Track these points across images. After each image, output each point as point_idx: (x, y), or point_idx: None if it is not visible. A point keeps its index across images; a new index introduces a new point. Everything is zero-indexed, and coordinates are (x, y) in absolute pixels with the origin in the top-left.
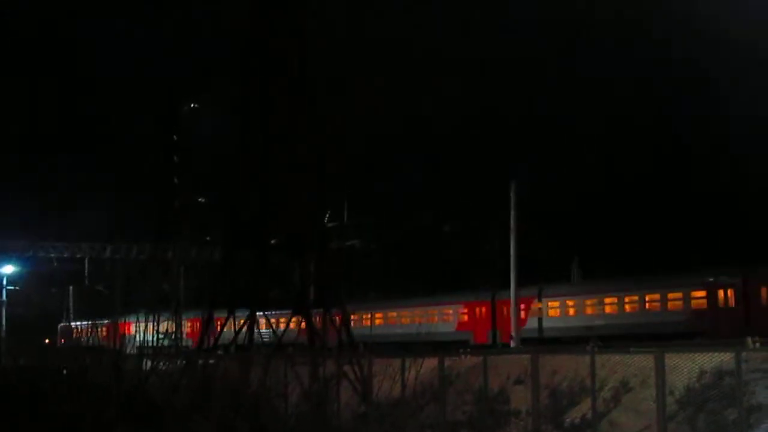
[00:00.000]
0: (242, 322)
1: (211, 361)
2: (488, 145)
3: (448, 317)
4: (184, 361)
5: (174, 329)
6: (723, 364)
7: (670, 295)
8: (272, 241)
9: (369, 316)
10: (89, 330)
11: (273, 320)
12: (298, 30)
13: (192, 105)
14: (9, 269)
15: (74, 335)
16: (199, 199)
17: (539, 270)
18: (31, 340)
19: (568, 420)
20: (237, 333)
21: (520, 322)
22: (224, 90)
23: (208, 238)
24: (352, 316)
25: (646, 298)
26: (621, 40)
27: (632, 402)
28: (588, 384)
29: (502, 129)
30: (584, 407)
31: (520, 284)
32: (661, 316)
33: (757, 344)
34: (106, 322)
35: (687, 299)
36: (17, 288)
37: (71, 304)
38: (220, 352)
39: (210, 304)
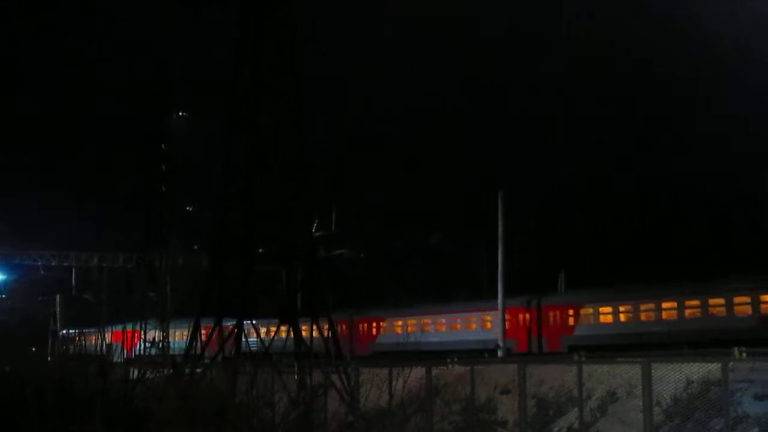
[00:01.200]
0: (230, 330)
1: (198, 370)
2: (477, 154)
3: (487, 324)
4: (170, 370)
5: (161, 338)
6: (710, 374)
7: (737, 299)
8: (260, 250)
9: (401, 323)
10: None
11: (261, 329)
12: (289, 39)
13: (180, 113)
14: None
15: (76, 343)
16: (187, 208)
17: (526, 280)
18: (18, 349)
19: (555, 430)
20: (224, 342)
21: (568, 330)
22: (213, 98)
23: (195, 247)
24: (381, 324)
25: (710, 303)
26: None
27: (619, 412)
28: (575, 394)
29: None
30: (571, 417)
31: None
32: (727, 322)
33: (744, 354)
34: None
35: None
36: (3, 296)
37: (58, 312)
38: (207, 361)
39: (197, 312)
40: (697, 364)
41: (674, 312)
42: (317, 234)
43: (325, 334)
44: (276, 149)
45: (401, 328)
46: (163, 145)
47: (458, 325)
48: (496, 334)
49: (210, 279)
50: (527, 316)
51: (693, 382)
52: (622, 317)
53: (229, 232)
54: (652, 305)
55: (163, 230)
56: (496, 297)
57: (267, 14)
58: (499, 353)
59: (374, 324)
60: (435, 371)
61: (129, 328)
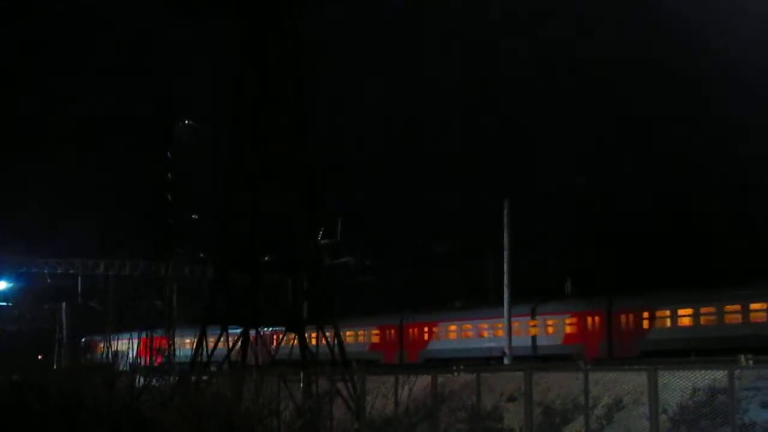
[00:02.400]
0: (236, 339)
1: (204, 378)
2: (482, 165)
3: (550, 329)
4: (176, 378)
5: (167, 346)
6: (716, 381)
7: None
8: (266, 258)
9: (455, 327)
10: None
11: (267, 337)
12: (294, 51)
13: (186, 122)
14: (1, 285)
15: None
16: (193, 216)
17: (531, 288)
18: (25, 357)
19: None
20: (230, 350)
21: (642, 334)
22: (219, 107)
23: (201, 255)
24: (433, 329)
25: None
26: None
27: (625, 420)
28: (581, 401)
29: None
30: (577, 425)
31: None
32: None
33: (750, 361)
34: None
35: None
36: (9, 304)
37: (64, 320)
38: (213, 369)
39: (203, 321)
40: (703, 371)
41: (763, 314)
42: (323, 242)
43: (332, 341)
44: (282, 158)
45: (455, 333)
46: (169, 153)
47: (515, 331)
48: (558, 339)
49: (216, 287)
50: (596, 319)
51: (699, 389)
52: (702, 320)
53: (235, 241)
54: (738, 307)
55: (169, 238)
56: (555, 300)
57: (272, 24)
58: (506, 361)
59: (425, 329)
60: (441, 379)
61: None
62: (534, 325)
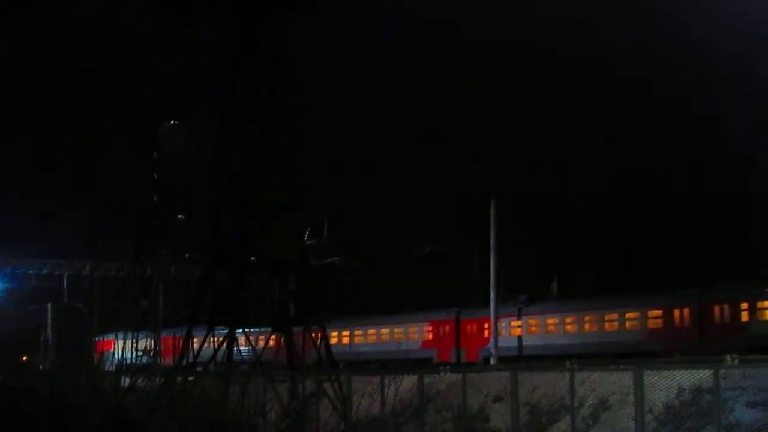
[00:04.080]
0: (221, 339)
1: (190, 379)
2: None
3: (634, 324)
4: (162, 379)
5: (153, 347)
6: (702, 381)
7: None
8: (252, 259)
9: (520, 323)
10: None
11: (252, 338)
12: (282, 50)
13: (173, 122)
14: None
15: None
16: (179, 216)
17: (516, 289)
18: (11, 359)
19: None
20: (216, 351)
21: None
22: (206, 109)
23: (187, 255)
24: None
25: None
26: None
27: (611, 420)
28: (568, 401)
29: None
30: (563, 425)
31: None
32: None
33: (736, 361)
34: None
35: None
36: None
37: (50, 321)
38: (199, 369)
39: (189, 321)
40: (689, 371)
41: None
42: (309, 242)
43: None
44: (269, 158)
45: (520, 329)
46: (155, 154)
47: (591, 325)
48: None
49: (202, 288)
50: (686, 312)
51: (685, 389)
52: None
53: (222, 241)
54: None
55: (155, 239)
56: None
57: (260, 25)
58: (492, 361)
59: (485, 325)
60: (427, 379)
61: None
62: (614, 320)
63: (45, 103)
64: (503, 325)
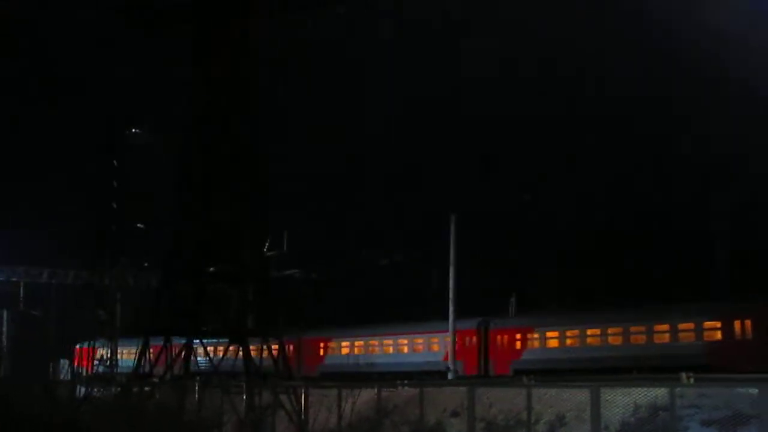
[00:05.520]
0: (179, 350)
1: (147, 389)
2: (429, 179)
3: (689, 336)
4: (118, 388)
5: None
6: (658, 399)
7: None
8: (211, 269)
9: (556, 334)
10: None
11: (210, 348)
12: (243, 57)
13: (134, 130)
14: None
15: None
16: (138, 225)
17: (477, 304)
18: None
19: None
20: (173, 361)
21: None
22: (167, 117)
23: (146, 264)
24: (528, 335)
25: None
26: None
27: None
28: (524, 417)
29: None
30: None
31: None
32: None
33: (692, 379)
34: None
35: None
36: None
37: (5, 329)
38: (155, 379)
39: (146, 331)
40: (645, 388)
41: None
42: (269, 253)
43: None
44: (230, 169)
45: (557, 340)
46: (114, 161)
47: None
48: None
49: (160, 297)
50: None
51: (641, 406)
52: None
53: (181, 251)
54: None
55: (113, 247)
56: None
57: (223, 33)
58: (449, 375)
59: (518, 336)
60: (385, 393)
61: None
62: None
63: (1, 107)
64: (536, 336)
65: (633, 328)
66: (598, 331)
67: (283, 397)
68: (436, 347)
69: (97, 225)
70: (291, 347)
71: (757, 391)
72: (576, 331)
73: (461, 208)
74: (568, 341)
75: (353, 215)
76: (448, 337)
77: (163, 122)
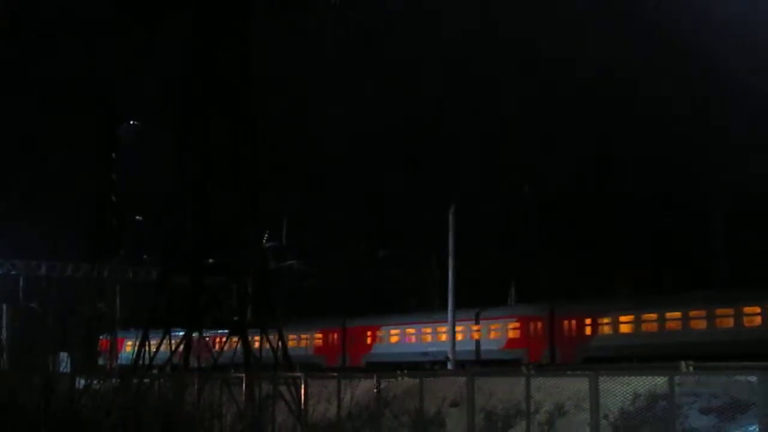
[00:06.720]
0: (178, 342)
1: (146, 381)
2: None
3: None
4: (117, 380)
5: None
6: (657, 387)
7: None
8: (210, 261)
9: (630, 318)
10: None
11: (210, 340)
12: (242, 53)
13: (131, 122)
14: None
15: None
16: (137, 217)
17: (476, 294)
18: None
19: None
20: (173, 353)
21: None
22: (164, 108)
23: (145, 257)
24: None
25: None
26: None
27: (567, 425)
28: (523, 407)
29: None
30: (519, 430)
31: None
32: None
33: (691, 368)
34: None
35: None
36: None
37: (4, 322)
38: (155, 372)
39: (146, 323)
40: (644, 377)
41: None
42: (268, 245)
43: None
44: (228, 160)
45: (632, 325)
46: (113, 154)
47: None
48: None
49: (159, 290)
50: None
51: (640, 395)
52: None
53: (180, 243)
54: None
55: (112, 240)
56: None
57: (221, 25)
58: (449, 365)
59: (587, 321)
60: (384, 383)
61: None
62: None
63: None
64: (607, 321)
65: (719, 311)
66: (678, 315)
67: (283, 388)
68: (494, 334)
69: (97, 218)
70: (335, 336)
71: (756, 378)
72: (654, 315)
73: (460, 197)
74: (644, 326)
75: (352, 207)
76: (511, 324)
77: (159, 113)
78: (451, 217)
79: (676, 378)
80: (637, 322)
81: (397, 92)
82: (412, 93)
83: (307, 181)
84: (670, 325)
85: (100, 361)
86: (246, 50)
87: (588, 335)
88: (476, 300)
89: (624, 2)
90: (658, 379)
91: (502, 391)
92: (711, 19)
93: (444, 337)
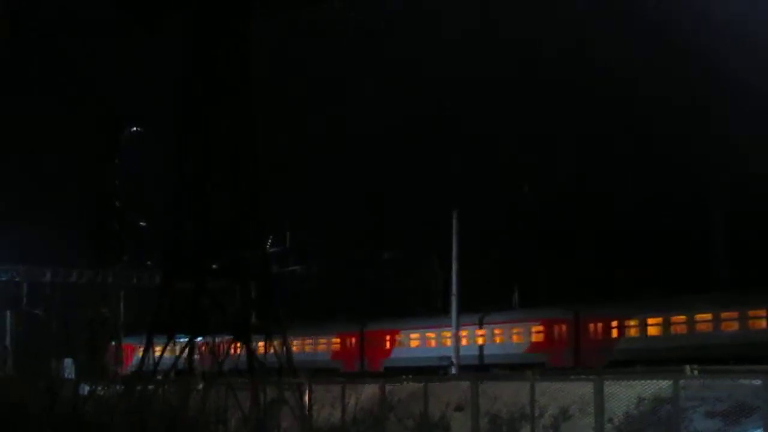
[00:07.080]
0: (183, 347)
1: (150, 387)
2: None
3: None
4: (122, 386)
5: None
6: (661, 391)
7: None
8: (213, 266)
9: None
10: None
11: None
12: (242, 53)
13: (134, 128)
14: None
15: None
16: (141, 223)
17: (479, 298)
18: None
19: None
20: (177, 358)
21: None
22: (166, 113)
23: (149, 263)
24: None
25: None
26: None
27: (572, 429)
28: (528, 411)
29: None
30: None
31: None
32: None
33: (696, 371)
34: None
35: None
36: None
37: (8, 328)
38: (159, 377)
39: (149, 328)
40: (648, 381)
41: None
42: (271, 250)
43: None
44: (228, 160)
45: (660, 327)
46: (116, 160)
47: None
48: None
49: (162, 295)
50: None
51: (645, 399)
52: None
53: (182, 248)
54: None
55: (115, 245)
56: None
57: (221, 25)
58: (453, 370)
59: (613, 323)
60: (388, 388)
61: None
62: None
63: (2, 105)
64: (634, 323)
65: (752, 312)
66: (709, 316)
67: (288, 393)
68: (517, 338)
69: (100, 224)
70: (353, 340)
71: (760, 382)
72: (683, 317)
73: (461, 201)
74: (674, 328)
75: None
76: (534, 326)
77: (161, 117)
78: (454, 222)
79: (681, 382)
80: (665, 324)
81: (397, 92)
82: (412, 93)
83: (307, 181)
84: (700, 327)
85: (110, 368)
86: (246, 50)
87: (614, 338)
88: (476, 300)
89: (624, 2)
90: (663, 383)
91: (507, 395)
92: (711, 19)
93: (465, 342)
